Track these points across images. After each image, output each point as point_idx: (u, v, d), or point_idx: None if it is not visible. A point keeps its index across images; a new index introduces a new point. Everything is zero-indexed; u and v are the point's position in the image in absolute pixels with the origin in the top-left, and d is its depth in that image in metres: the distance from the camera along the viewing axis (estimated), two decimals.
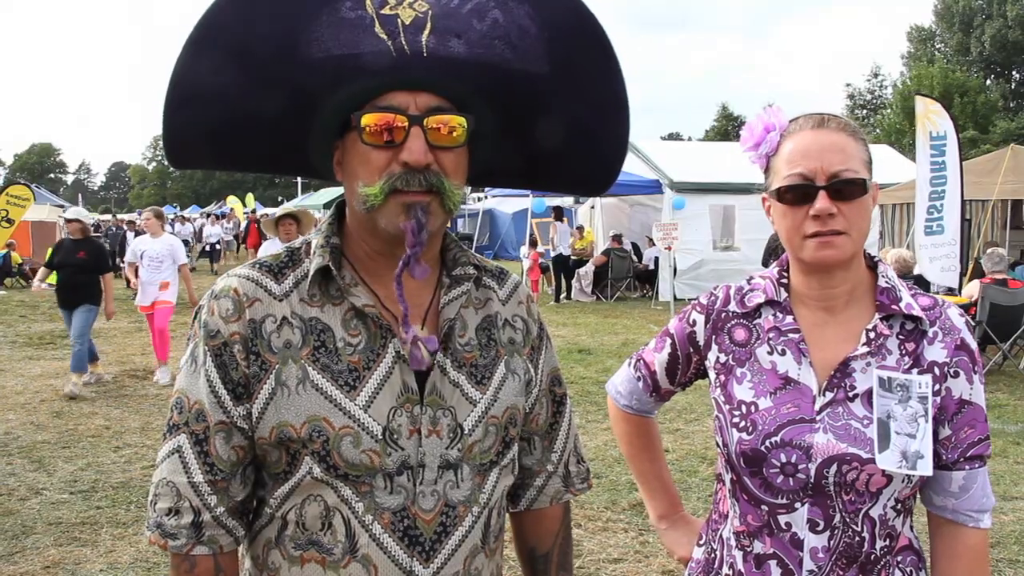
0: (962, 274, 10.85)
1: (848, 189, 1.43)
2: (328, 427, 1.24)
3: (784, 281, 1.60)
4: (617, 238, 18.14)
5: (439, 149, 1.24)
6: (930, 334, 1.50)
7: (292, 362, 1.26)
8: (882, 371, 1.47)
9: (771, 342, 1.55)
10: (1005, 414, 7.84)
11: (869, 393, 1.46)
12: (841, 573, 1.47)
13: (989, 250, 10.02)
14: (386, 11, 1.21)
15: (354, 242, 1.35)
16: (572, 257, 17.79)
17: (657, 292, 16.90)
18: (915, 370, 1.48)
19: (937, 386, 1.47)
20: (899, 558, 1.52)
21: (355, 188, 1.26)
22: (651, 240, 17.48)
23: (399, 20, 1.22)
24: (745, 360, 1.57)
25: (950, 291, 10.65)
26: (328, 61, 1.22)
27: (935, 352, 1.49)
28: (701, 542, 1.73)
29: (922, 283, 9.93)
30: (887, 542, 1.49)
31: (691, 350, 1.69)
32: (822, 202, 1.43)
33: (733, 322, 1.61)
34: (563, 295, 17.28)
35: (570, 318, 14.39)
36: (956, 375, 1.49)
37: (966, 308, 8.74)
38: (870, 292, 1.55)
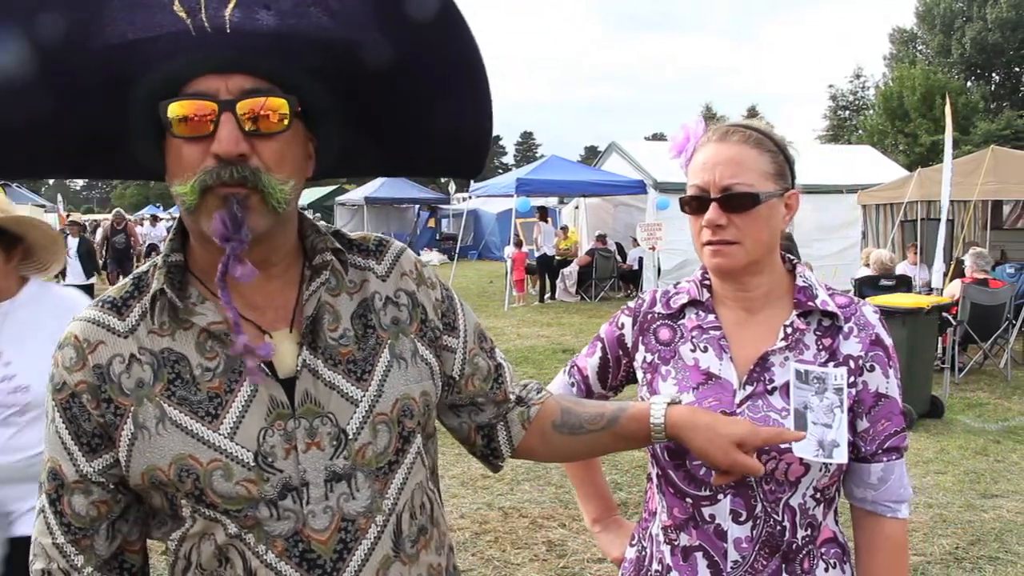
0: (944, 274, 10.92)
1: (738, 201, 1.50)
2: (196, 464, 1.14)
3: (707, 283, 1.67)
4: (601, 238, 18.16)
5: (257, 137, 1.10)
6: (845, 329, 1.57)
7: (147, 401, 1.16)
8: (799, 364, 1.52)
9: (694, 340, 1.62)
10: (985, 413, 7.90)
11: (787, 386, 1.52)
12: (765, 563, 1.51)
13: (974, 250, 10.09)
14: None
15: (196, 253, 1.22)
16: (556, 257, 17.80)
17: (641, 292, 16.91)
18: (831, 363, 1.53)
19: (853, 379, 1.54)
20: (823, 550, 1.56)
21: (172, 188, 1.13)
22: (635, 240, 17.50)
23: None
24: (670, 358, 1.63)
25: (932, 290, 10.72)
26: (124, 48, 1.08)
27: (850, 347, 1.55)
28: (633, 542, 1.77)
29: (903, 282, 9.99)
30: (808, 531, 1.53)
31: (620, 352, 1.74)
32: (711, 213, 1.51)
33: (658, 323, 1.68)
34: (547, 295, 17.29)
35: (554, 318, 14.40)
36: (872, 369, 1.55)
37: (947, 308, 8.79)
38: (789, 292, 1.61)
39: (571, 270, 17.62)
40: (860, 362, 1.55)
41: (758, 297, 1.60)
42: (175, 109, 1.09)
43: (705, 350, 1.60)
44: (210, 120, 1.08)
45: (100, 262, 19.10)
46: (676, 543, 1.58)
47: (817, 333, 1.57)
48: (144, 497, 1.22)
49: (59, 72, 1.10)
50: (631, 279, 17.98)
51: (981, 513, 5.31)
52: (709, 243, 1.53)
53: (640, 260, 17.43)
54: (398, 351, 1.29)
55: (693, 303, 1.65)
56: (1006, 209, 16.45)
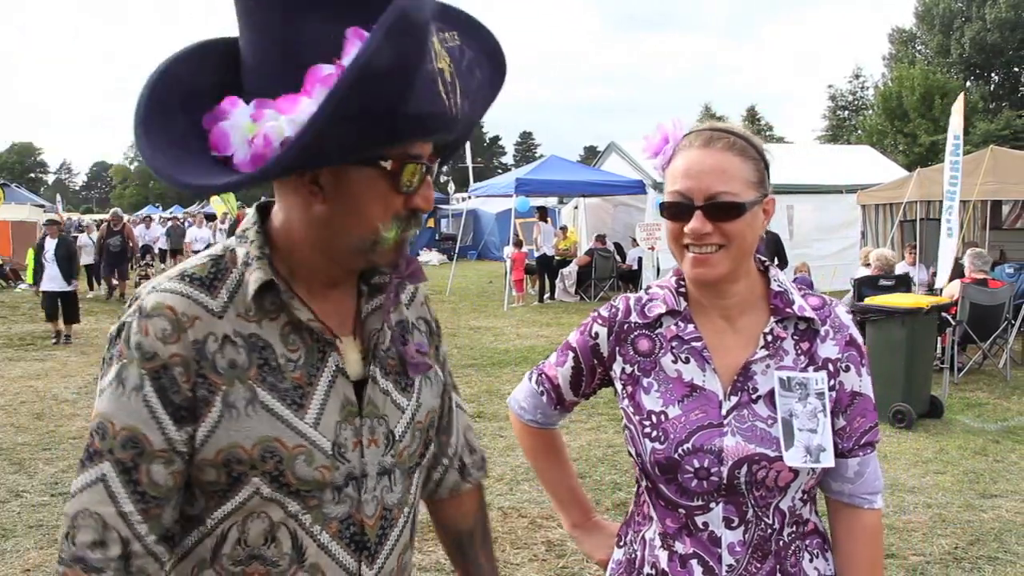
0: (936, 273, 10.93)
1: (724, 211, 1.49)
2: (281, 447, 1.23)
3: (683, 290, 1.64)
4: (600, 238, 18.18)
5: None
6: (822, 332, 1.58)
7: (239, 383, 1.22)
8: (781, 371, 1.54)
9: (675, 351, 1.60)
10: (985, 413, 7.91)
11: (771, 394, 1.53)
12: (759, 564, 1.54)
13: (973, 250, 10.10)
14: (439, 64, 1.18)
15: (287, 255, 1.31)
16: (556, 257, 17.80)
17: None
18: (811, 368, 1.56)
19: (832, 381, 1.56)
20: (807, 542, 1.59)
21: (358, 223, 1.23)
22: (635, 240, 17.52)
23: (444, 76, 1.18)
24: (651, 370, 1.61)
25: (931, 291, 10.72)
26: (413, 119, 1.16)
27: (828, 349, 1.57)
28: (621, 543, 1.75)
29: (903, 282, 9.99)
30: (795, 528, 1.57)
31: (595, 362, 1.71)
32: (695, 222, 1.49)
33: (636, 333, 1.65)
34: (547, 295, 17.29)
35: (554, 318, 14.40)
36: (847, 369, 1.58)
37: (947, 308, 8.80)
38: (764, 297, 1.61)
39: (570, 270, 17.64)
40: (838, 364, 1.57)
41: (735, 305, 1.60)
42: (409, 171, 1.22)
43: (687, 361, 1.58)
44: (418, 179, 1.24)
45: (95, 263, 18.43)
46: (673, 550, 1.58)
47: (795, 338, 1.58)
48: (194, 473, 1.25)
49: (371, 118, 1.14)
50: (630, 279, 17.98)
51: (980, 513, 5.32)
52: (689, 248, 1.52)
53: (639, 260, 17.45)
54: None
55: (670, 312, 1.62)
56: (1005, 209, 16.46)
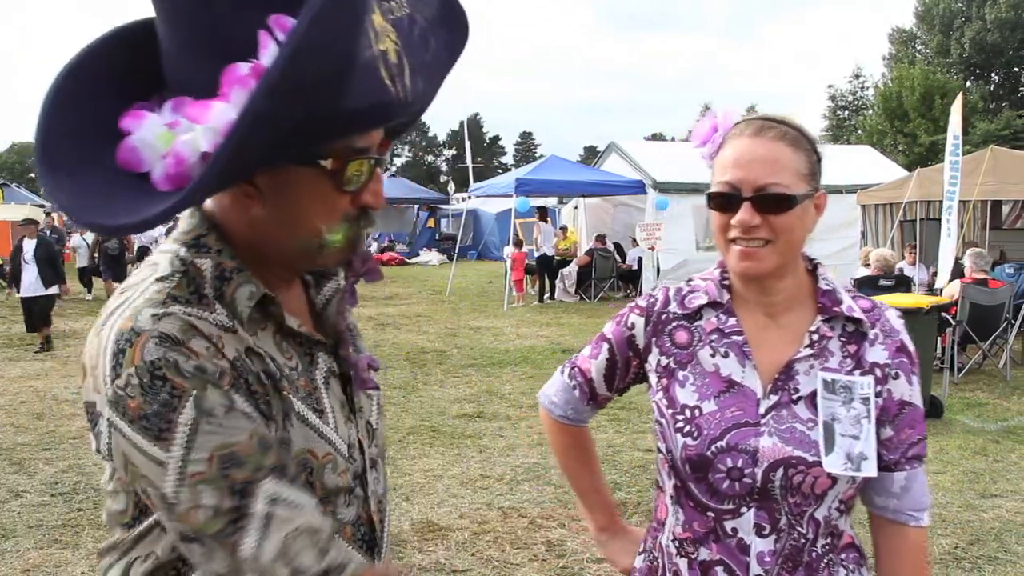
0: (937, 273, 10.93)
1: (774, 203, 1.42)
2: (312, 458, 1.15)
3: (726, 283, 1.58)
4: (600, 238, 18.17)
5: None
6: (871, 336, 1.51)
7: (276, 394, 1.13)
8: (826, 373, 1.47)
9: (713, 344, 1.54)
10: (985, 413, 7.91)
11: (812, 395, 1.46)
12: None
13: (973, 250, 10.10)
14: (380, 46, 1.04)
15: (255, 263, 1.18)
16: (556, 257, 17.80)
17: (640, 292, 16.90)
18: (857, 371, 1.48)
19: (879, 387, 1.48)
20: (842, 556, 1.52)
21: (300, 226, 1.12)
22: (634, 240, 17.52)
23: (388, 58, 1.04)
24: (687, 363, 1.55)
25: (931, 291, 10.72)
26: (356, 113, 1.04)
27: (876, 354, 1.50)
28: (641, 550, 1.70)
29: (903, 282, 9.99)
30: (829, 540, 1.49)
31: (630, 354, 1.65)
32: (743, 214, 1.43)
33: (674, 324, 1.59)
34: (547, 295, 17.29)
35: (554, 318, 14.40)
36: (897, 376, 1.50)
37: (947, 308, 8.79)
38: (811, 295, 1.55)
39: (570, 270, 17.63)
40: (886, 370, 1.49)
41: (781, 301, 1.53)
42: (354, 167, 1.10)
43: (726, 356, 1.52)
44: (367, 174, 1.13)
45: (88, 267, 17.75)
46: (694, 556, 1.51)
47: (842, 339, 1.51)
48: None
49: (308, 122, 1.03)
50: (630, 279, 17.99)
51: (980, 513, 5.31)
52: (736, 242, 1.46)
53: (639, 260, 17.44)
54: (362, 349, 1.39)
55: (712, 304, 1.56)
56: (1005, 209, 16.46)
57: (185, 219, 1.19)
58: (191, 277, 1.12)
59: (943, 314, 8.56)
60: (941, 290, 9.95)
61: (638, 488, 5.63)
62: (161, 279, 1.11)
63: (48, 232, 17.01)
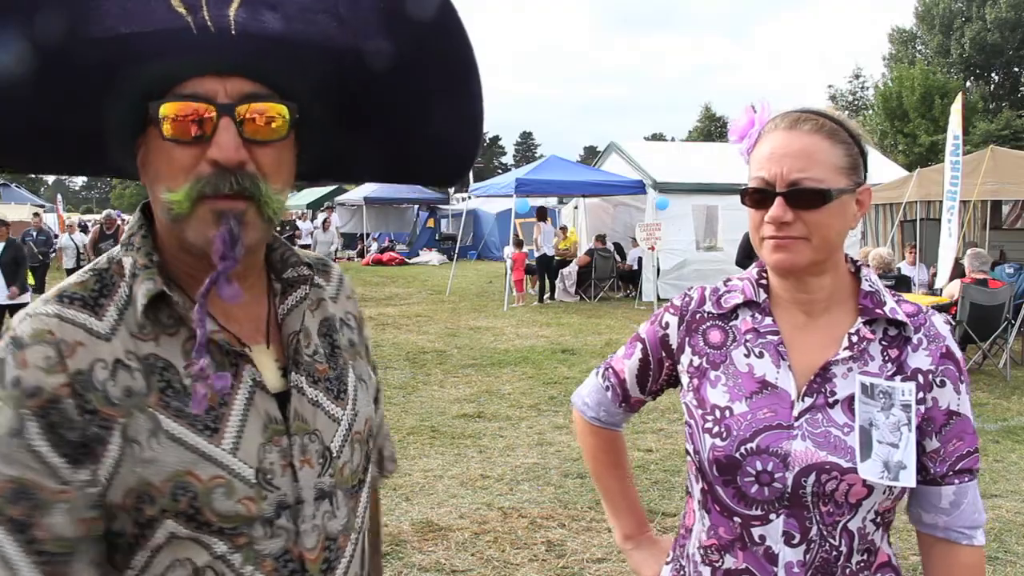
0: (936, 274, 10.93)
1: (807, 198, 1.37)
2: (195, 481, 1.05)
3: (763, 282, 1.53)
4: (600, 238, 18.17)
5: (255, 144, 1.05)
6: (914, 340, 1.44)
7: (139, 412, 1.04)
8: (864, 377, 1.40)
9: (748, 344, 1.48)
10: (984, 413, 7.90)
11: (850, 399, 1.40)
12: None
13: (972, 250, 10.11)
14: None
15: (171, 257, 1.13)
16: (556, 257, 17.80)
17: (640, 292, 16.93)
18: (898, 377, 1.41)
19: (922, 395, 1.41)
20: (877, 575, 1.45)
21: (158, 194, 1.06)
22: (635, 240, 17.51)
23: None
24: (720, 363, 1.50)
25: (931, 291, 10.72)
26: (116, 41, 0.99)
27: (919, 359, 1.43)
28: (669, 559, 1.65)
29: (903, 282, 10.00)
30: (865, 557, 1.42)
31: (663, 354, 1.61)
32: (776, 209, 1.37)
33: (708, 323, 1.54)
34: (547, 295, 17.29)
35: (554, 318, 14.40)
36: (943, 384, 1.42)
37: (947, 308, 8.80)
38: (852, 296, 1.49)
39: (570, 270, 17.62)
40: (930, 377, 1.42)
41: (820, 300, 1.46)
42: (169, 109, 1.02)
43: (760, 356, 1.46)
44: (209, 124, 1.02)
45: (76, 268, 17.25)
46: (719, 564, 1.46)
47: (883, 343, 1.44)
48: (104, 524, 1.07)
49: (49, 67, 1.01)
50: (630, 279, 17.98)
51: None
52: (772, 238, 1.40)
53: (639, 260, 17.43)
54: (358, 372, 1.30)
55: (748, 304, 1.51)
56: (1005, 209, 16.46)
57: (131, 223, 1.16)
58: (105, 276, 1.11)
59: (943, 314, 8.56)
60: (941, 290, 9.96)
61: (639, 488, 5.62)
62: (79, 275, 1.11)
63: (35, 234, 16.51)
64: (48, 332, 1.02)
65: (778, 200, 1.37)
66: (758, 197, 1.41)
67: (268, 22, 1.03)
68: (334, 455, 1.18)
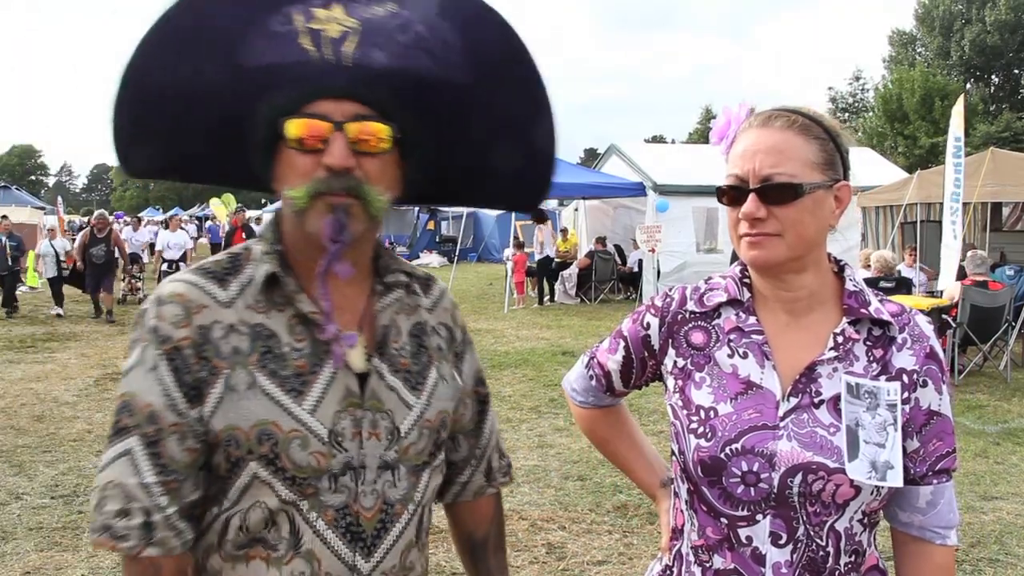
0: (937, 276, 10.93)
1: (778, 193, 1.37)
2: (277, 430, 1.28)
3: (747, 281, 1.53)
4: (601, 240, 18.17)
5: (362, 155, 1.29)
6: (899, 340, 1.44)
7: (240, 368, 1.29)
8: (850, 377, 1.40)
9: (732, 344, 1.48)
10: (985, 415, 7.90)
11: (835, 399, 1.40)
12: None
13: (971, 252, 10.11)
14: (313, 25, 1.29)
15: (293, 249, 1.38)
16: (556, 259, 17.81)
17: (641, 294, 16.93)
18: (883, 377, 1.42)
19: (906, 394, 1.42)
20: None
21: (284, 193, 1.32)
22: (635, 242, 17.52)
23: (325, 34, 1.29)
24: (704, 364, 1.50)
25: (932, 293, 10.72)
26: (259, 70, 1.30)
27: (904, 359, 1.43)
28: (659, 556, 1.66)
29: (904, 284, 9.99)
30: (852, 558, 1.42)
31: (645, 354, 1.60)
32: (749, 205, 1.38)
33: (690, 324, 1.54)
34: (547, 297, 17.29)
35: (554, 320, 14.40)
36: (925, 384, 1.43)
37: (947, 310, 8.80)
38: (836, 296, 1.49)
39: (571, 272, 17.63)
40: (915, 377, 1.43)
41: (802, 299, 1.46)
42: (295, 124, 1.27)
43: (745, 356, 1.46)
44: (324, 137, 1.26)
45: (58, 277, 15.29)
46: (708, 565, 1.46)
47: (868, 343, 1.44)
48: (208, 455, 1.32)
49: (209, 84, 1.33)
50: (630, 281, 17.99)
51: (981, 515, 5.31)
52: (747, 235, 1.41)
53: (640, 262, 17.44)
54: (442, 372, 1.48)
55: (731, 302, 1.51)
56: (1005, 211, 16.47)
57: (266, 219, 1.43)
58: (238, 258, 1.38)
59: (943, 316, 8.56)
60: (941, 292, 9.95)
61: (639, 491, 5.62)
62: (219, 255, 1.41)
63: (3, 238, 15.59)
64: (179, 295, 1.31)
65: (751, 196, 1.39)
66: (733, 195, 1.43)
67: (376, 58, 1.31)
68: (402, 435, 1.38)
